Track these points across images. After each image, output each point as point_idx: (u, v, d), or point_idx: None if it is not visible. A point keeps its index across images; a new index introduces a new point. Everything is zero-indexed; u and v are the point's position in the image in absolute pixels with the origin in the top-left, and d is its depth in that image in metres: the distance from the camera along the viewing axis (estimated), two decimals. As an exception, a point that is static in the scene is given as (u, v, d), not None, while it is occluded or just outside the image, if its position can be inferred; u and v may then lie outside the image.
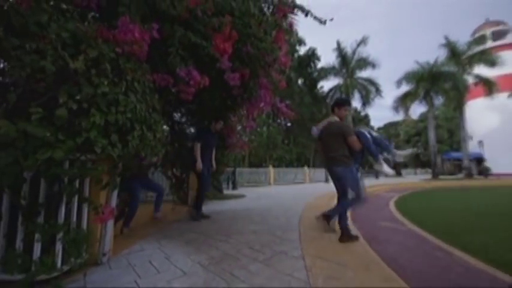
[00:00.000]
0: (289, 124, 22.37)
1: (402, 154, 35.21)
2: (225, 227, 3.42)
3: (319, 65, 20.63)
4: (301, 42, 18.73)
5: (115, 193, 2.12)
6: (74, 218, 1.84)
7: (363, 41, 18.74)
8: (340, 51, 19.66)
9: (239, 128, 5.73)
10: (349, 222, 4.67)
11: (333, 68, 20.28)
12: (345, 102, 3.13)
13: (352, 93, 19.93)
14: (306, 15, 2.99)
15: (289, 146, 21.31)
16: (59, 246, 1.73)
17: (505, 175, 22.32)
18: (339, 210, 2.99)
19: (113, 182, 1.99)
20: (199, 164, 3.75)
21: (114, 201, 2.10)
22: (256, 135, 16.51)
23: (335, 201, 3.32)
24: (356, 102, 21.29)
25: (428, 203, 7.23)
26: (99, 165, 1.60)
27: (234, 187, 10.57)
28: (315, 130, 3.14)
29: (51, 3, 1.53)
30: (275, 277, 1.76)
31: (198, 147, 3.77)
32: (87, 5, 1.67)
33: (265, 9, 3.21)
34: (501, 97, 21.23)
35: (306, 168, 15.92)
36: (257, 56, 3.02)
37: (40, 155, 1.19)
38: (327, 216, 3.04)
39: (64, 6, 1.59)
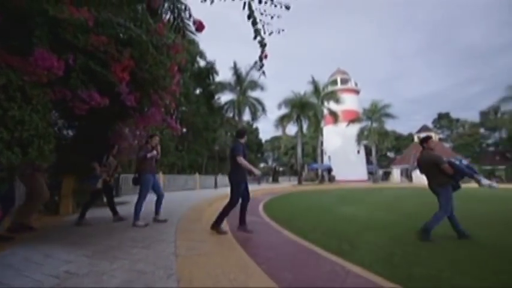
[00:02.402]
0: (184, 130, 22.54)
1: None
2: (108, 228, 3.69)
3: (218, 78, 22.24)
4: (201, 54, 19.66)
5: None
6: None
7: (254, 66, 21.78)
8: (236, 70, 22.03)
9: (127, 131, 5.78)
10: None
11: (229, 84, 22.42)
12: (428, 138, 4.06)
13: (244, 109, 22.63)
14: (192, 64, 3.86)
15: (182, 153, 21.42)
16: None
17: (343, 181, 31.13)
18: (440, 218, 3.62)
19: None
20: (257, 171, 3.99)
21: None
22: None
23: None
24: (247, 116, 24.22)
25: (285, 202, 9.60)
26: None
27: (117, 194, 9.90)
28: (412, 158, 3.99)
29: None
30: (151, 254, 2.45)
31: (242, 159, 3.76)
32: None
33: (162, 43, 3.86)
34: (342, 125, 29.84)
35: (197, 175, 16.62)
36: (151, 81, 3.63)
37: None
38: (426, 230, 3.63)
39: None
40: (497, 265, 2.69)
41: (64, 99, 2.34)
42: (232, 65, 22.13)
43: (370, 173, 36.69)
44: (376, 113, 29.02)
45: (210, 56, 22.41)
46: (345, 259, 2.86)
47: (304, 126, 26.77)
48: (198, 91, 21.36)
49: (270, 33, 2.89)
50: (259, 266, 2.47)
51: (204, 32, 3.92)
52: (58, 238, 3.15)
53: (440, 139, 40.17)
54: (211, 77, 21.63)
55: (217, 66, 21.35)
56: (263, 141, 52.59)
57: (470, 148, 40.01)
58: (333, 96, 26.25)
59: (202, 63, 20.56)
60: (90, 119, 4.77)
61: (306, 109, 24.20)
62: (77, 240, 3.04)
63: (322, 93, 26.26)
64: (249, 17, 2.44)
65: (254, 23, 2.50)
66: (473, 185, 4.31)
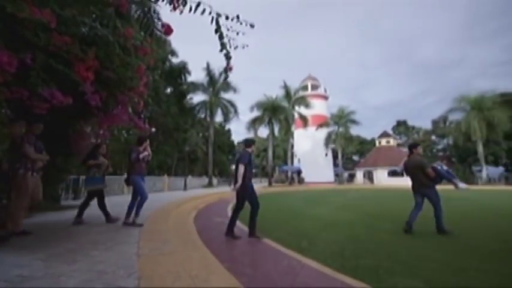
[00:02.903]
0: (153, 130, 21.72)
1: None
2: (67, 232, 3.53)
3: (190, 79, 21.83)
4: (173, 53, 19.20)
5: None
6: None
7: (221, 75, 21.70)
8: (209, 71, 21.86)
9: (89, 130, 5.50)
10: (193, 219, 5.84)
11: (202, 85, 22.16)
12: (417, 145, 4.53)
13: (216, 110, 22.52)
14: (164, 63, 3.89)
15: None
16: None
17: (311, 183, 32.36)
18: (440, 213, 4.09)
19: None
20: (240, 186, 3.84)
21: None
22: (112, 140, 14.97)
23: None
24: (219, 118, 24.10)
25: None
26: None
27: (76, 197, 9.28)
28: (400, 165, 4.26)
29: None
30: (113, 255, 2.46)
31: (241, 168, 3.82)
32: None
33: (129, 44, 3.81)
34: (312, 129, 31.11)
35: (165, 176, 16.16)
36: (117, 81, 3.57)
37: None
38: (440, 228, 4.09)
39: None
40: (430, 254, 3.16)
41: (21, 99, 2.25)
42: (205, 65, 21.97)
43: (336, 175, 38.63)
44: (342, 118, 30.78)
45: (183, 56, 22.01)
46: (303, 255, 3.11)
47: (276, 129, 27.40)
48: (169, 90, 20.76)
49: (235, 48, 3.01)
50: (222, 263, 2.60)
51: (176, 31, 3.96)
52: (8, 243, 2.96)
53: (398, 144, 43.72)
54: (183, 77, 21.19)
55: (191, 66, 21.01)
56: (235, 142, 52.56)
57: (423, 153, 44.26)
58: (304, 101, 27.28)
59: (174, 61, 20.11)
60: (50, 118, 4.51)
61: (277, 112, 24.86)
62: (29, 244, 2.89)
63: (293, 97, 27.17)
64: (216, 31, 2.58)
65: (221, 37, 2.65)
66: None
